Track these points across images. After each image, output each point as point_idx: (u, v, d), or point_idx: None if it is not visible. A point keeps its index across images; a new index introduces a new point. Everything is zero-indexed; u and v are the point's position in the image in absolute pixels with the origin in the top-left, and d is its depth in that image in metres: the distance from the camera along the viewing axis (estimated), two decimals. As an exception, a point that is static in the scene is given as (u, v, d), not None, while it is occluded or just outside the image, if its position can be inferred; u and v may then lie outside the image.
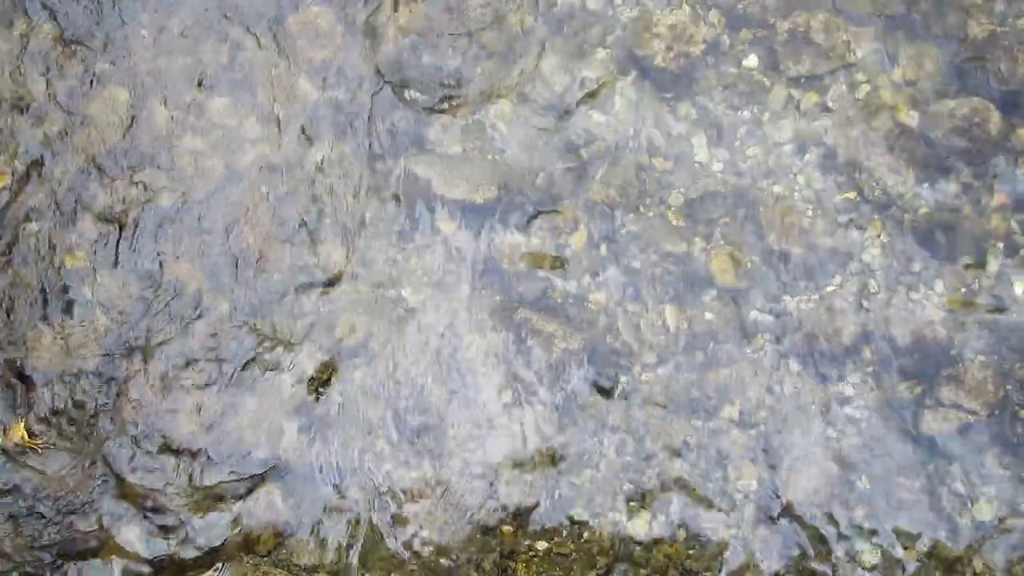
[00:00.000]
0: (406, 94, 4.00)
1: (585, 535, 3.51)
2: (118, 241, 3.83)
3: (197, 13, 4.06)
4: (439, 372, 3.69)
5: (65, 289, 3.78)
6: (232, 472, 3.61)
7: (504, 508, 3.55)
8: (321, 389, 3.69)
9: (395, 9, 4.07)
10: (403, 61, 4.02)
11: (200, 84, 4.00)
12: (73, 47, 4.04)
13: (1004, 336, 3.56)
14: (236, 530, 3.56)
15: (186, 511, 3.58)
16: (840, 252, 3.72)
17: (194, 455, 3.62)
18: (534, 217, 3.85)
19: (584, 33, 4.02)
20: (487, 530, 3.54)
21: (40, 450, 3.62)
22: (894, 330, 3.61)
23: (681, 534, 3.49)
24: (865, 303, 3.66)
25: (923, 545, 3.42)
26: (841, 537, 3.45)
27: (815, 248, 3.74)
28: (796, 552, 3.45)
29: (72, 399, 3.67)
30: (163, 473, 3.61)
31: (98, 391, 3.68)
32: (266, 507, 3.58)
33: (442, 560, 3.51)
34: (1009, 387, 3.51)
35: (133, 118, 3.96)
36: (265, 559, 3.52)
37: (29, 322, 3.75)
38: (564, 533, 3.52)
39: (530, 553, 3.50)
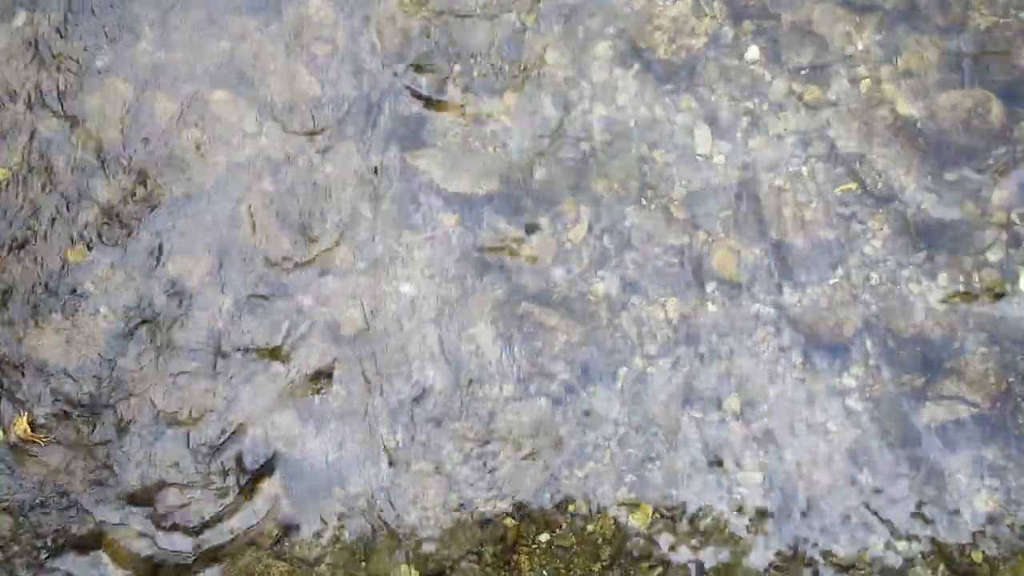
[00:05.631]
0: (407, 86, 3.99)
1: (588, 528, 3.51)
2: (120, 235, 3.83)
3: (198, 5, 4.05)
4: (440, 366, 3.69)
5: (67, 283, 3.77)
6: (235, 465, 3.61)
7: (506, 500, 3.56)
8: (322, 382, 3.69)
9: (397, 0, 4.06)
10: (404, 53, 4.01)
11: (201, 77, 3.99)
12: (74, 40, 4.03)
13: (1006, 329, 3.56)
14: (239, 523, 3.56)
15: (189, 505, 3.58)
16: (842, 245, 3.72)
17: (197, 449, 3.63)
18: (536, 210, 3.85)
19: (586, 25, 4.00)
20: (489, 522, 3.54)
21: (42, 444, 3.62)
22: (896, 323, 3.61)
23: (683, 527, 3.50)
24: (867, 296, 3.66)
25: (924, 537, 3.43)
26: (842, 529, 3.46)
27: (817, 241, 3.74)
28: (797, 544, 3.45)
29: (74, 393, 3.67)
30: (166, 467, 3.61)
31: (100, 385, 3.68)
32: (269, 500, 3.58)
33: (444, 552, 3.52)
34: (1011, 380, 3.51)
35: (134, 111, 3.95)
36: (268, 552, 3.53)
37: (31, 316, 3.74)
38: (566, 525, 3.53)
39: (532, 545, 3.51)
